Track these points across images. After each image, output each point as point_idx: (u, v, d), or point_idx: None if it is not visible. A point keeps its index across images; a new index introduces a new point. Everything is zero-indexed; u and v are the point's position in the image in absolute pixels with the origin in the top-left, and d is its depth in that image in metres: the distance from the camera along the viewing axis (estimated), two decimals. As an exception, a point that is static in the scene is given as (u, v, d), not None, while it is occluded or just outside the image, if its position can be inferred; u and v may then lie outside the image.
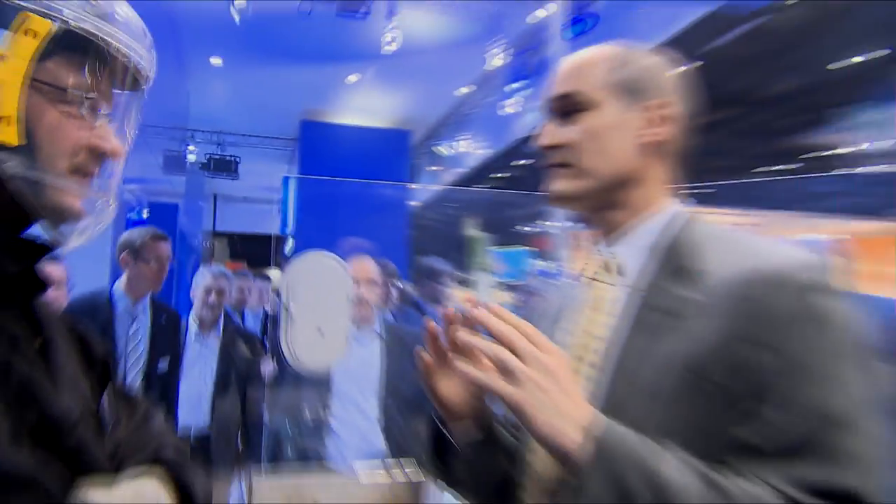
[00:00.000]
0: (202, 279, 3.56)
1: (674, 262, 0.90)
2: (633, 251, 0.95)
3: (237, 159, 11.51)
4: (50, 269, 2.57)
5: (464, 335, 0.85)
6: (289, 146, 12.02)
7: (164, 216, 10.32)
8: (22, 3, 0.70)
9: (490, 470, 1.03)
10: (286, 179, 12.45)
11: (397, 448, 2.63)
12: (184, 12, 6.98)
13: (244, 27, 6.59)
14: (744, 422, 0.78)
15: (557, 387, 0.78)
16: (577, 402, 0.79)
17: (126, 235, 3.00)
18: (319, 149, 10.44)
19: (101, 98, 0.77)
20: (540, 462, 0.94)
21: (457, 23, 7.29)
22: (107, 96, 0.79)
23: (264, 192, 14.10)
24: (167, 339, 3.06)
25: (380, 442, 2.69)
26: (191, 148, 11.42)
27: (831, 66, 7.33)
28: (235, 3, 6.31)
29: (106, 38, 0.75)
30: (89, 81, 0.75)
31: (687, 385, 0.81)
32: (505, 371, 0.78)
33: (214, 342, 3.55)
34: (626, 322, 0.90)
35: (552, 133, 0.98)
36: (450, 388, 1.00)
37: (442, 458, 1.06)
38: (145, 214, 9.97)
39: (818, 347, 0.77)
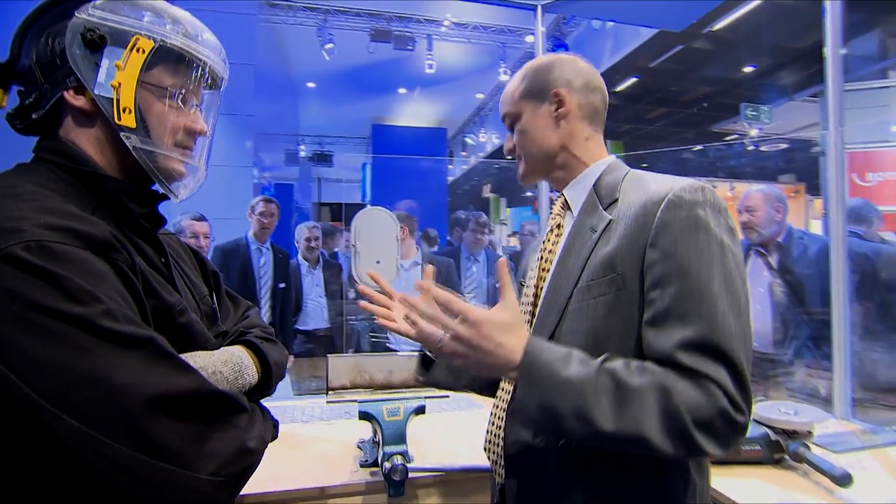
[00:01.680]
0: (300, 232, 3.54)
1: (600, 195, 0.86)
2: (577, 192, 0.91)
3: (331, 153, 11.51)
4: (198, 225, 2.64)
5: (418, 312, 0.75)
6: (365, 142, 11.97)
7: (285, 193, 10.45)
8: (133, 29, 0.69)
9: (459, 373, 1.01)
10: (364, 165, 12.45)
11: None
12: (293, 52, 6.91)
13: (332, 61, 6.48)
14: (645, 305, 0.73)
15: (480, 338, 0.69)
16: (503, 344, 0.69)
17: (252, 201, 3.07)
18: (385, 143, 10.38)
19: (190, 94, 0.76)
20: None
21: (475, 50, 7.05)
22: (195, 92, 0.77)
23: (350, 174, 14.17)
24: (283, 269, 3.12)
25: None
26: (301, 147, 11.47)
27: (732, 76, 7.09)
28: (326, 46, 6.23)
29: (191, 51, 0.74)
30: (182, 82, 0.74)
31: (604, 278, 0.77)
32: (444, 328, 0.71)
33: (319, 274, 3.55)
34: (568, 238, 0.87)
35: (508, 141, 0.97)
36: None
37: (424, 365, 1.05)
38: (272, 191, 10.15)
39: (694, 246, 0.72)
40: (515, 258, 3.98)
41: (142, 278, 0.66)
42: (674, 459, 0.75)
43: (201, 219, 2.67)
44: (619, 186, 0.85)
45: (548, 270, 0.89)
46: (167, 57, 0.72)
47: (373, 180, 9.64)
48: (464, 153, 12.31)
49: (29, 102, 0.69)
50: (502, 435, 0.88)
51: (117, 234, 0.64)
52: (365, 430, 1.51)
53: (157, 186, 0.75)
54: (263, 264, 3.02)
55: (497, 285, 0.75)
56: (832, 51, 1.63)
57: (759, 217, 2.39)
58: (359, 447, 1.46)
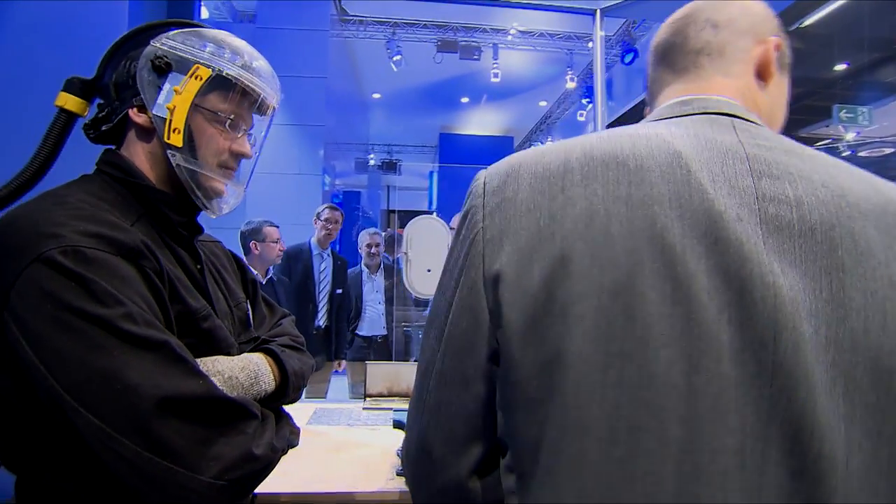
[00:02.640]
0: (363, 239, 3.62)
1: None
2: None
3: (400, 161, 11.77)
4: (270, 230, 2.77)
5: None
6: (432, 151, 12.14)
7: (353, 200, 10.79)
8: (195, 58, 0.76)
9: None
10: (430, 173, 12.63)
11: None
12: (363, 64, 7.14)
13: (400, 73, 6.65)
14: None
15: None
16: None
17: (318, 208, 3.19)
18: (452, 151, 10.47)
19: (240, 119, 0.81)
20: None
21: (541, 57, 6.97)
22: (245, 118, 0.82)
23: (418, 181, 14.40)
24: (341, 275, 3.22)
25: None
26: (371, 156, 11.82)
27: (822, 76, 6.48)
28: (394, 59, 6.40)
29: (245, 81, 0.79)
30: (233, 108, 0.79)
31: None
32: None
33: (380, 280, 3.62)
34: None
35: None
36: None
37: None
38: (340, 198, 10.51)
39: None
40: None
41: (169, 284, 0.69)
42: None
43: (272, 224, 2.81)
44: None
45: None
46: (222, 85, 0.77)
47: (439, 188, 9.76)
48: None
49: (102, 115, 0.78)
50: None
51: (149, 242, 0.68)
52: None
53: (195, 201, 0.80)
54: (324, 269, 3.13)
55: None
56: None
57: None
58: (398, 455, 1.46)
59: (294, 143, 5.37)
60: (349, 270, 3.49)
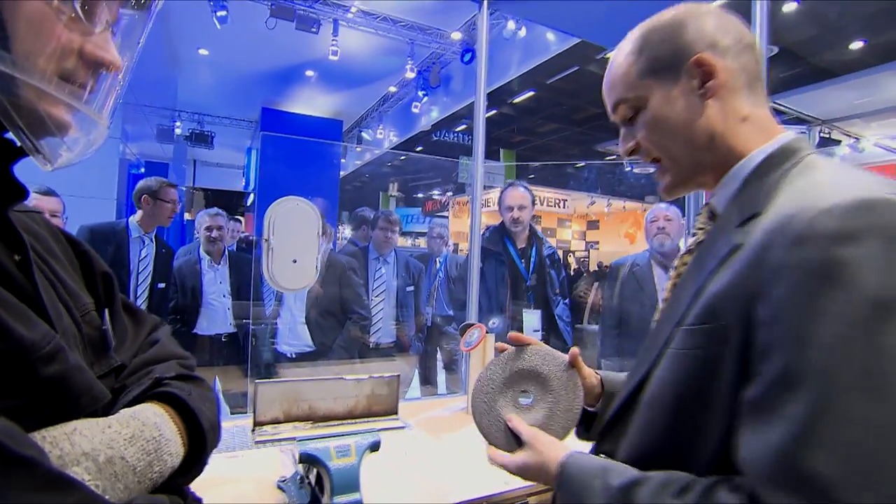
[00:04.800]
0: (201, 221, 3.03)
1: (742, 200, 0.60)
2: (722, 197, 0.65)
3: (212, 134, 10.43)
4: (45, 201, 2.09)
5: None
6: (251, 127, 11.06)
7: (157, 173, 9.26)
8: None
9: None
10: (249, 149, 11.50)
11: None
12: (178, 14, 6.08)
13: (224, 30, 5.81)
14: (743, 378, 0.50)
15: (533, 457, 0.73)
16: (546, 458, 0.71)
17: (144, 182, 2.55)
18: (275, 130, 9.65)
19: (97, 4, 0.48)
20: None
21: (381, 43, 6.79)
22: (110, 5, 0.50)
23: (232, 158, 13.02)
24: (165, 266, 2.65)
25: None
26: (178, 124, 10.22)
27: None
28: (217, 13, 5.55)
29: None
30: None
31: (702, 326, 0.55)
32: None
33: (224, 270, 3.05)
34: (692, 262, 0.66)
35: (626, 140, 0.73)
36: None
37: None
38: (142, 170, 8.89)
39: (821, 310, 0.44)
40: (423, 260, 3.82)
41: None
42: None
43: (49, 193, 2.12)
44: (775, 186, 0.56)
45: (667, 300, 0.69)
46: None
47: (260, 167, 8.90)
48: (359, 147, 11.93)
49: None
50: None
51: None
52: (285, 464, 1.26)
53: (11, 136, 0.46)
54: (144, 257, 2.52)
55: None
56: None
57: (674, 226, 2.52)
58: (279, 488, 1.21)
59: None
60: (182, 259, 2.92)
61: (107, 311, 0.63)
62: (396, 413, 1.14)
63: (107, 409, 0.51)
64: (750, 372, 0.49)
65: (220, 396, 2.79)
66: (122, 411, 0.51)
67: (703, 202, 0.73)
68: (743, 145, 0.64)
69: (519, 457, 0.75)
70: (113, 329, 0.62)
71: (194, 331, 2.91)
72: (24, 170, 0.51)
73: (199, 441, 0.55)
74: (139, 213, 2.54)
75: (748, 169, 0.62)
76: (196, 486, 1.23)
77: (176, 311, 2.87)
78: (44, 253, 0.57)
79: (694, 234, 0.70)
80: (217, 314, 2.97)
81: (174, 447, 0.51)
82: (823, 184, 0.52)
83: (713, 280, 0.56)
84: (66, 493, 0.36)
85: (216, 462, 1.39)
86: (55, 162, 0.48)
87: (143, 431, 0.48)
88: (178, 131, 10.18)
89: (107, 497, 0.41)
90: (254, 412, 1.00)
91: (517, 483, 1.09)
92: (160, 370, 0.60)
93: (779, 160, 0.60)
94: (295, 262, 1.94)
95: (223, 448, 1.49)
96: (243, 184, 12.56)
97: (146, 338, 0.67)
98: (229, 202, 10.97)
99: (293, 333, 2.79)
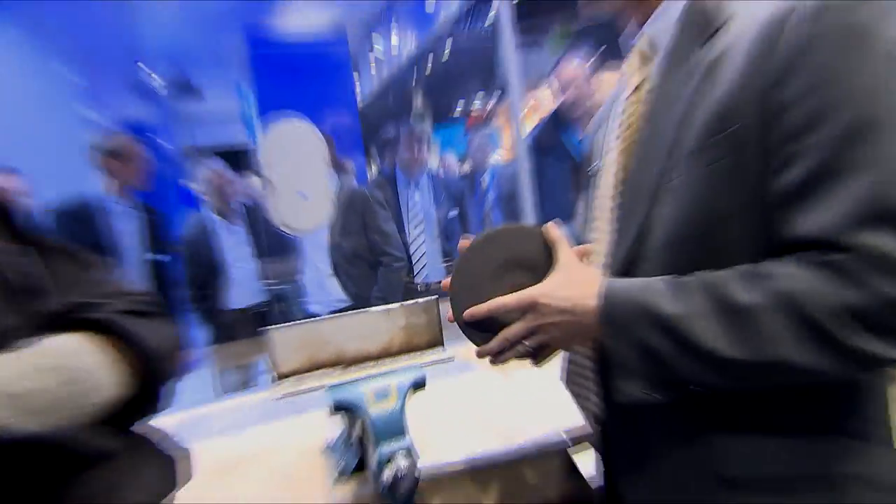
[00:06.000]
0: (204, 177, 3.04)
1: (697, 20, 0.69)
2: (665, 26, 0.74)
3: (198, 85, 10.48)
4: (3, 181, 2.19)
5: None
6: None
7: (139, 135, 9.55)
8: None
9: None
10: (240, 90, 11.51)
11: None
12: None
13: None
14: (779, 169, 0.60)
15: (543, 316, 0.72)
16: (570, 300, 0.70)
17: (97, 141, 2.55)
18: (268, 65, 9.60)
19: None
20: None
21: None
22: None
23: (223, 109, 13.15)
24: (160, 235, 2.71)
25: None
26: (153, 75, 10.35)
27: None
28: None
29: None
30: None
31: (717, 137, 0.63)
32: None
33: (242, 230, 3.09)
34: (654, 93, 0.73)
35: None
36: None
37: None
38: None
39: (856, 67, 0.57)
40: (469, 179, 3.75)
41: None
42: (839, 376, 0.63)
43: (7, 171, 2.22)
44: (726, 4, 0.67)
45: (630, 146, 0.76)
46: None
47: (259, 106, 8.91)
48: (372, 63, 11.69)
49: None
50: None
51: None
52: (331, 427, 1.29)
53: None
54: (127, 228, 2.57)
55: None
56: None
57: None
58: (329, 450, 1.25)
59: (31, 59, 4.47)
60: (189, 227, 3.01)
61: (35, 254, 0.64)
62: (442, 343, 1.11)
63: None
64: (782, 159, 0.59)
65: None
66: (38, 342, 0.52)
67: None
68: None
69: (550, 278, 0.75)
70: (47, 273, 0.63)
71: (221, 306, 3.00)
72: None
73: (147, 367, 0.57)
74: (104, 178, 2.56)
75: None
76: (229, 464, 1.29)
77: (196, 287, 2.95)
78: None
79: (630, 78, 0.80)
80: (243, 283, 3.05)
81: (101, 376, 0.53)
82: None
83: (703, 97, 0.64)
84: None
85: (253, 436, 1.45)
86: None
87: (59, 360, 0.50)
88: (156, 84, 10.31)
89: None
90: (274, 364, 1.01)
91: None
92: (100, 305, 0.61)
93: None
94: (306, 197, 1.93)
95: (265, 418, 1.55)
96: (247, 135, 12.74)
97: (88, 279, 0.69)
98: (236, 160, 11.19)
99: (322, 289, 2.81)
